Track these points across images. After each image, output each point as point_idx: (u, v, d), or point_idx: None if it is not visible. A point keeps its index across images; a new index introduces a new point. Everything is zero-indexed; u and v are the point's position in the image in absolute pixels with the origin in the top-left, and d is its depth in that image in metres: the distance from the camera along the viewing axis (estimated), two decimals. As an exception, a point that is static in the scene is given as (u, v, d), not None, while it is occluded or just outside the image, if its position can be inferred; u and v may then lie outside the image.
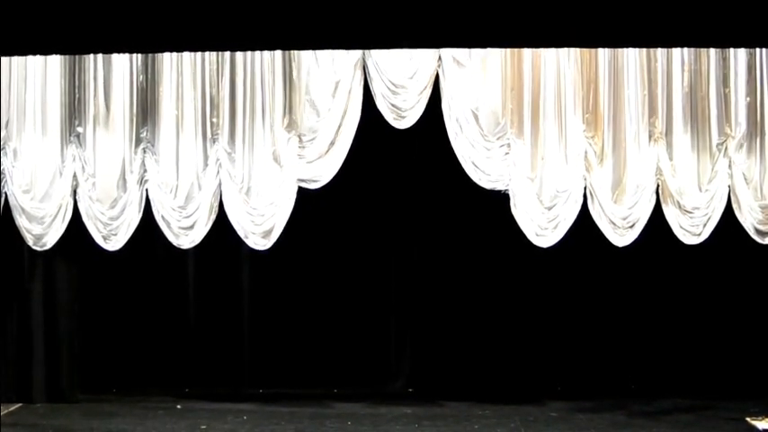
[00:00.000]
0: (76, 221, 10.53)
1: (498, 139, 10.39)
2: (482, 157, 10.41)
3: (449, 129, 10.39)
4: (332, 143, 10.46)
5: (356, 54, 10.37)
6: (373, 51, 10.31)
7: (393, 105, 10.43)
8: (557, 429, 9.74)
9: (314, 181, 10.49)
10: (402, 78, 10.40)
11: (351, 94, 10.45)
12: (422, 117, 10.43)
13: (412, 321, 11.33)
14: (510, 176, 10.38)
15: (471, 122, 10.39)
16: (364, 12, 8.71)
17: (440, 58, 10.38)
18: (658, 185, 10.39)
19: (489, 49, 10.29)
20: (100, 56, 10.45)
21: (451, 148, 10.40)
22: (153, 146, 10.53)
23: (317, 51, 10.35)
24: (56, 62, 10.51)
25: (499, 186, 10.40)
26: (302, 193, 10.50)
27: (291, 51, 10.36)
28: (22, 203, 10.54)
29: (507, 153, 10.40)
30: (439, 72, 10.39)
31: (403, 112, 10.44)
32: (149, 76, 10.54)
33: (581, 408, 10.48)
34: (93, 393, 11.01)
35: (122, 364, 11.26)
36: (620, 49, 10.31)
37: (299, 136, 10.46)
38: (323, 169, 10.48)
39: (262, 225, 10.50)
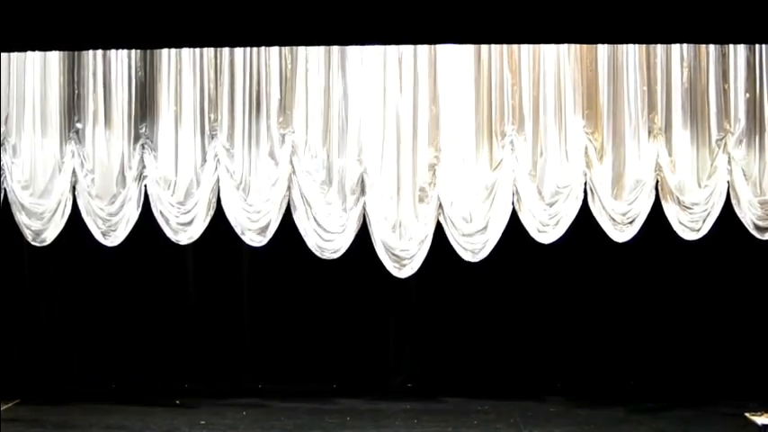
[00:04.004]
0: (76, 217, 10.54)
1: (504, 138, 10.42)
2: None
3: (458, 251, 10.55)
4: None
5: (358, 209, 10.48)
6: (372, 203, 10.42)
7: (393, 254, 10.49)
8: (556, 425, 9.73)
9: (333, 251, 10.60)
10: (402, 242, 10.47)
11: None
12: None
13: (412, 317, 11.32)
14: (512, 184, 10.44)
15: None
16: (360, 7, 8.71)
17: (440, 206, 10.43)
18: (658, 181, 10.39)
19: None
20: (99, 52, 10.46)
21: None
22: (152, 142, 10.53)
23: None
24: (55, 58, 10.52)
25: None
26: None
27: (288, 49, 10.36)
28: (21, 199, 10.54)
29: (512, 150, 10.41)
30: (440, 219, 10.44)
31: (403, 261, 10.49)
32: (148, 73, 10.54)
33: (580, 404, 10.48)
34: (92, 389, 11.02)
35: (121, 360, 11.26)
36: (619, 46, 10.31)
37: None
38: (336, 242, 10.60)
39: (258, 222, 10.50)
